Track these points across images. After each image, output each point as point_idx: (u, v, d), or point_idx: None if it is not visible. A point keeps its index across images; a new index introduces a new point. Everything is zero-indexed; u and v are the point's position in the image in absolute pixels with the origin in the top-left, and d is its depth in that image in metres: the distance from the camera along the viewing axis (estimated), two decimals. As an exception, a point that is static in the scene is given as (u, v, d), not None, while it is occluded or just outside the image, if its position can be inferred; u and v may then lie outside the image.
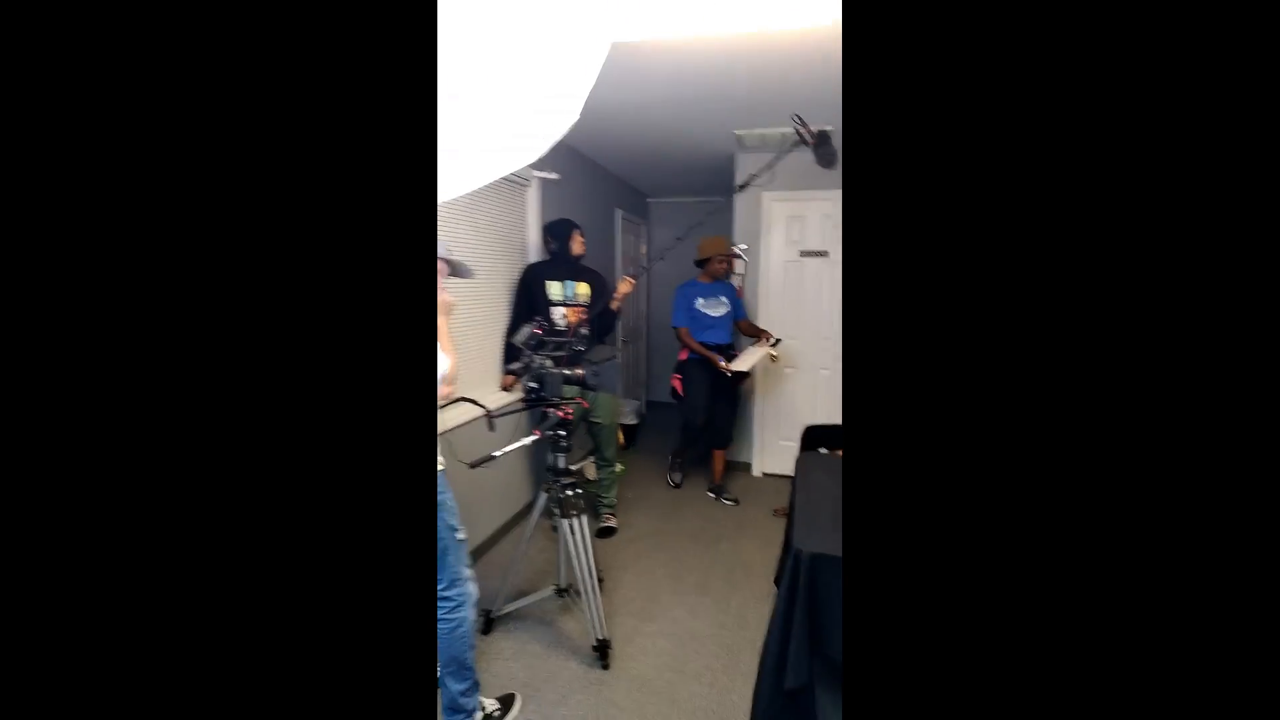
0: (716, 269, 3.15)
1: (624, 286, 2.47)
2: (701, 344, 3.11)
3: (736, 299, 3.27)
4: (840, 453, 2.65)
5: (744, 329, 3.24)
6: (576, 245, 2.58)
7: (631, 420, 4.17)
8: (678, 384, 3.23)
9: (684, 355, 3.20)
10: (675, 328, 3.19)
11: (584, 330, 2.30)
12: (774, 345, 3.06)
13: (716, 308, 3.16)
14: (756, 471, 3.66)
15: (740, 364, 3.04)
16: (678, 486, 3.39)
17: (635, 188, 4.77)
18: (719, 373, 3.07)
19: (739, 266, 3.40)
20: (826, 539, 1.47)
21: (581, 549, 1.86)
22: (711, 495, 3.29)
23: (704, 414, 3.16)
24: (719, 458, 3.32)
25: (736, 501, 3.21)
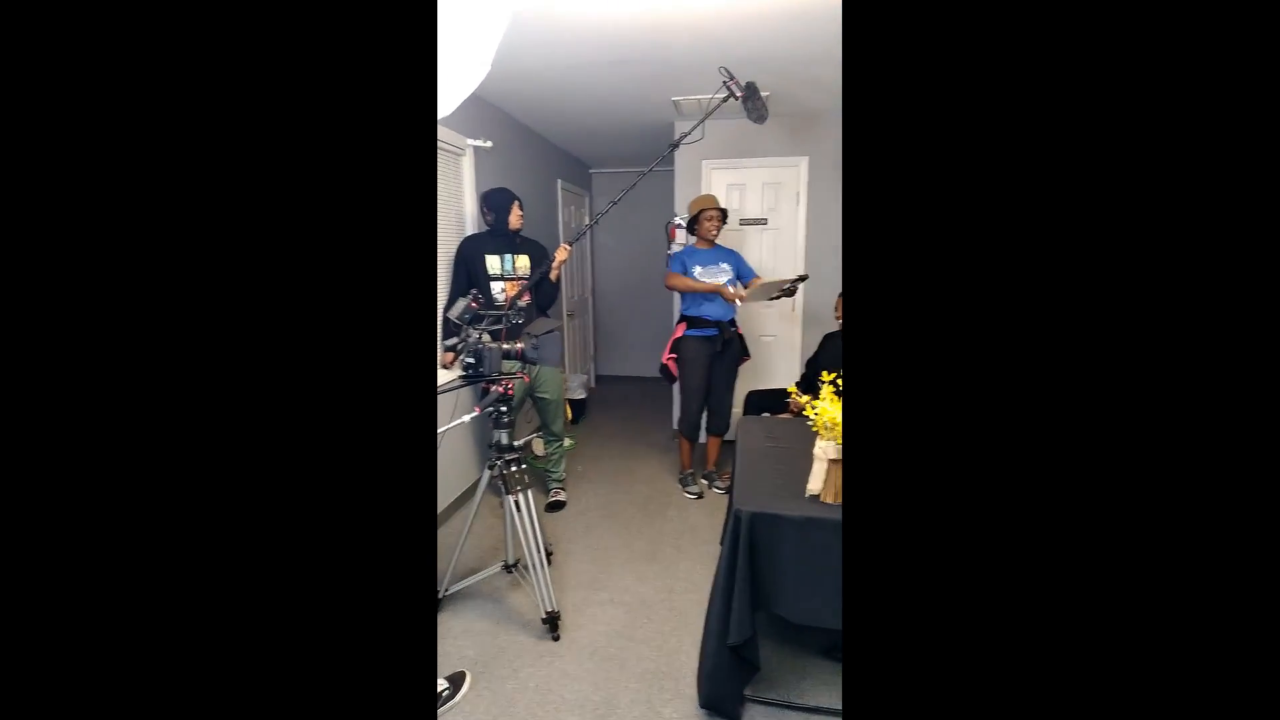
0: (707, 228, 2.74)
1: (560, 254, 2.41)
2: (698, 317, 2.75)
3: (744, 264, 2.86)
4: (781, 415, 2.72)
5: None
6: (514, 219, 2.50)
7: (580, 394, 4.14)
8: (672, 364, 2.82)
9: (680, 331, 2.80)
10: (668, 274, 2.76)
11: (522, 302, 2.24)
12: (797, 281, 2.63)
13: (716, 276, 2.74)
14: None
15: (755, 292, 2.63)
16: (700, 496, 2.94)
17: (577, 158, 4.67)
18: (718, 350, 2.76)
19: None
20: (765, 499, 1.50)
21: (528, 523, 1.85)
22: (704, 482, 3.03)
23: (703, 398, 2.84)
24: (714, 444, 3.01)
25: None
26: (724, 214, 2.81)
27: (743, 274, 2.85)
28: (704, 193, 3.37)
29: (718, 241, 2.84)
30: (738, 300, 2.68)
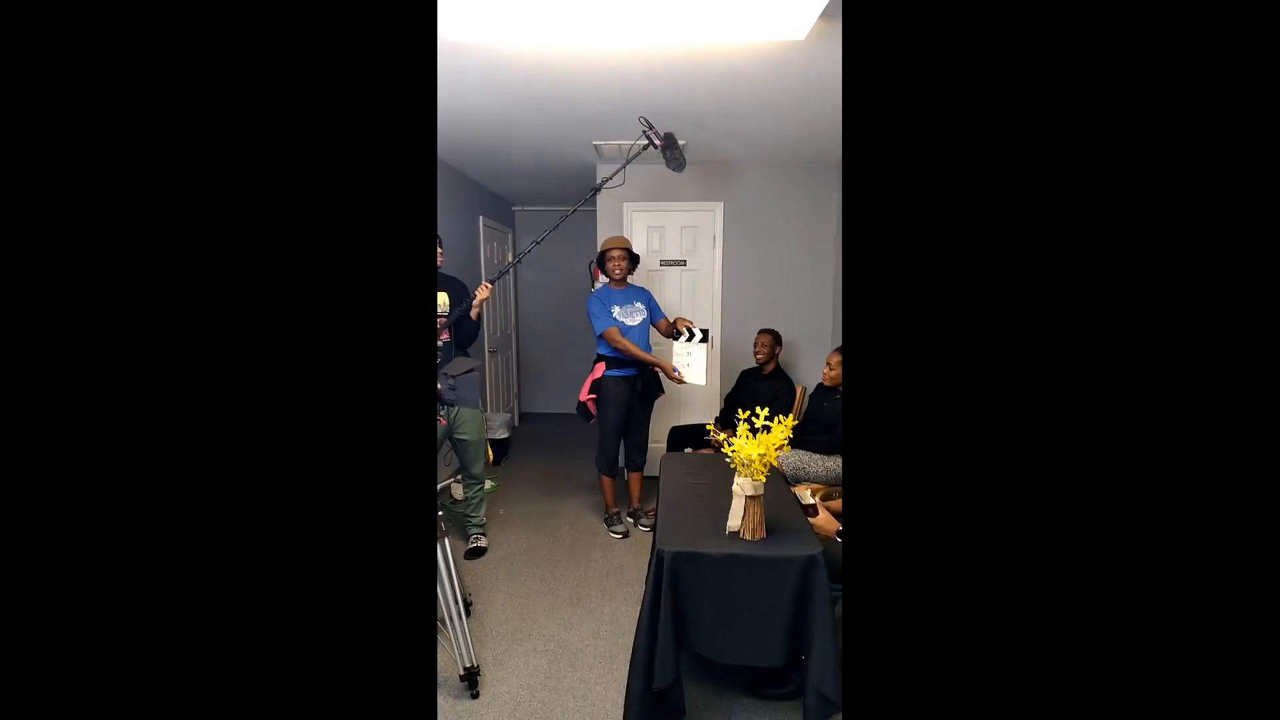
0: (610, 268, 2.81)
1: (481, 292, 2.38)
2: (618, 358, 2.77)
3: (653, 303, 2.94)
4: (702, 451, 2.77)
5: (662, 329, 2.91)
6: (436, 251, 2.45)
7: (502, 434, 4.04)
8: (591, 404, 2.84)
9: (599, 371, 2.83)
10: (601, 335, 2.78)
11: (439, 341, 2.18)
12: (704, 340, 2.73)
13: (633, 315, 2.83)
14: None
15: (695, 375, 2.70)
16: (626, 535, 2.92)
17: (499, 195, 4.66)
18: (637, 390, 2.82)
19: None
20: (687, 537, 1.52)
21: (444, 573, 1.76)
22: (630, 520, 3.03)
23: (620, 436, 2.90)
24: (635, 480, 3.05)
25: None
26: (631, 256, 2.85)
27: (653, 312, 2.93)
28: (622, 234, 3.46)
29: (631, 281, 2.92)
30: (679, 380, 2.72)
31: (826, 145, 2.97)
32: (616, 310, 2.81)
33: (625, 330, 2.80)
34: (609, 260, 2.82)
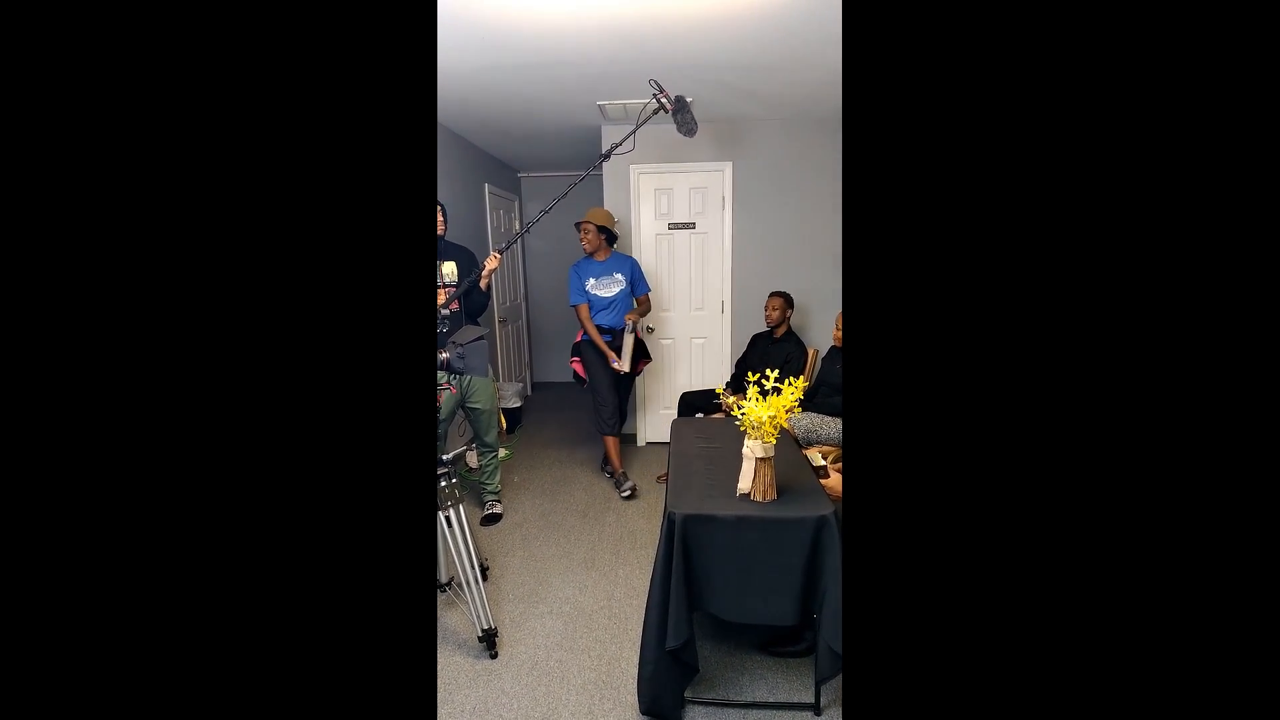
0: (583, 239, 2.92)
1: (490, 263, 2.36)
2: (596, 325, 2.93)
3: (638, 273, 3.03)
4: (713, 416, 2.76)
5: (626, 320, 2.97)
6: (436, 224, 2.42)
7: (514, 403, 4.06)
8: (579, 367, 3.01)
9: (580, 336, 3.01)
10: (574, 306, 2.97)
11: (445, 311, 2.17)
12: (631, 330, 2.90)
13: (609, 287, 2.94)
14: (641, 441, 3.73)
15: (624, 364, 2.89)
16: (632, 495, 2.96)
17: (504, 162, 4.58)
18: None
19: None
20: (697, 500, 1.52)
21: (460, 539, 1.78)
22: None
23: (614, 393, 2.98)
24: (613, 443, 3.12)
25: (633, 493, 2.95)
26: (605, 232, 2.91)
27: (636, 284, 3.00)
28: (628, 198, 3.39)
29: (616, 249, 2.99)
30: (618, 369, 2.91)
31: (840, 99, 2.86)
32: (591, 283, 2.93)
33: (597, 301, 2.92)
34: (581, 231, 2.92)
